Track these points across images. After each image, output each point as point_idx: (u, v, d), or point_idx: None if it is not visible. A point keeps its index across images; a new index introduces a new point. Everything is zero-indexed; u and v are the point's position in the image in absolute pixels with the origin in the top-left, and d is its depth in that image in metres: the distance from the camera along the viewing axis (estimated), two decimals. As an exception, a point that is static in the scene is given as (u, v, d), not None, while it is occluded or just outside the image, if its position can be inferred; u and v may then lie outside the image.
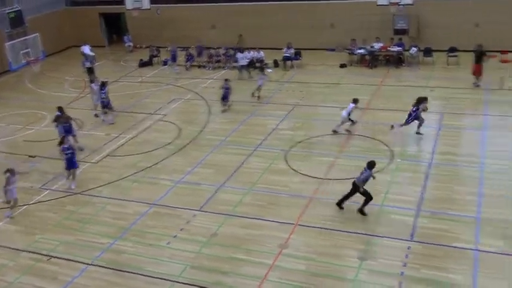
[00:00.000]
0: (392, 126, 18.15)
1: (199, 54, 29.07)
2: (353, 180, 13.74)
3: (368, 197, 13.54)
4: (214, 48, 29.12)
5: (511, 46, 25.90)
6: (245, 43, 30.70)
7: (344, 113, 18.49)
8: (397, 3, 26.52)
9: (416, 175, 15.57)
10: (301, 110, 21.37)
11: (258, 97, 22.77)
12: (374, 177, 13.66)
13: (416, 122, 17.94)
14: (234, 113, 21.25)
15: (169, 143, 19.13)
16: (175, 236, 13.45)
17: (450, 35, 26.49)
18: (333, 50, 29.37)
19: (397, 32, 27.23)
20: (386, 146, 17.48)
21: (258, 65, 26.91)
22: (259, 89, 22.68)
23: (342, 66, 26.80)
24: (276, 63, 27.59)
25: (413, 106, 17.88)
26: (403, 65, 26.03)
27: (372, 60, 26.46)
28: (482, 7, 26.20)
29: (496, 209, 13.51)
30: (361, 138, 18.39)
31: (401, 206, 13.95)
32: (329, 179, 15.71)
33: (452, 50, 25.77)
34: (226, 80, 21.89)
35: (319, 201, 14.57)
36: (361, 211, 13.66)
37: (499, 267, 11.47)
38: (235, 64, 26.90)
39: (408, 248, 12.28)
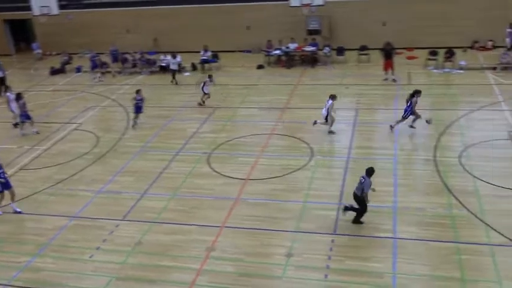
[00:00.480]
0: (391, 127, 18.34)
1: (115, 59, 28.33)
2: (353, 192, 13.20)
3: (363, 208, 13.03)
4: (129, 53, 28.53)
5: (415, 43, 27.42)
6: (161, 47, 30.33)
7: (323, 111, 18.45)
8: (308, 5, 27.26)
9: (335, 170, 16.07)
10: (221, 113, 21.41)
11: (203, 102, 22.11)
12: (374, 190, 13.11)
13: (411, 116, 18.19)
14: (154, 118, 20.93)
15: (86, 153, 18.50)
16: (98, 248, 13.02)
17: (360, 34, 27.61)
18: (249, 51, 29.70)
19: (310, 32, 28.01)
20: (306, 143, 17.91)
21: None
22: (205, 95, 22.03)
23: (259, 67, 27.17)
24: (193, 67, 27.51)
25: (407, 101, 18.15)
26: (318, 64, 26.81)
27: (288, 61, 27.04)
28: (389, 7, 27.57)
29: (410, 197, 14.24)
30: (281, 137, 18.73)
31: (323, 201, 14.34)
32: (252, 179, 15.85)
33: (363, 48, 26.89)
34: (138, 91, 20.42)
35: (244, 202, 14.66)
36: (356, 221, 13.14)
37: (415, 252, 12.09)
38: (172, 67, 25.93)
39: (332, 241, 12.64)
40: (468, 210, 13.46)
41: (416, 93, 18.01)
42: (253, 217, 13.86)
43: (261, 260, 12.20)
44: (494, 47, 26.59)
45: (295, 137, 18.47)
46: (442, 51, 24.96)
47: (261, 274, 11.74)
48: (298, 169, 16.22)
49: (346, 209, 13.24)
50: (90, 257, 12.72)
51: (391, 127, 18.31)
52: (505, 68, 23.64)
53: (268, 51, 27.67)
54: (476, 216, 13.16)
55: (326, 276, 11.50)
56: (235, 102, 22.53)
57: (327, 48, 26.93)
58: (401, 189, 14.67)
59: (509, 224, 12.74)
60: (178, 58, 26.07)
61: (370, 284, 11.18)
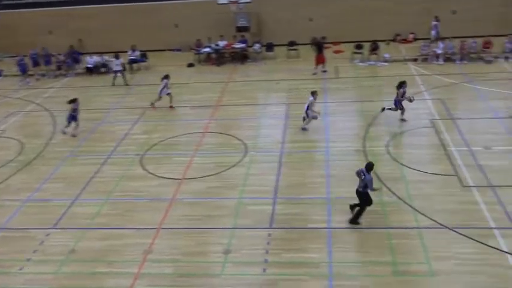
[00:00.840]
0: (383, 109, 18.67)
1: (35, 63, 26.95)
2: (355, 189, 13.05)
3: (363, 207, 12.89)
4: (53, 55, 27.47)
5: (341, 37, 28.16)
6: (86, 48, 29.44)
7: (306, 107, 18.38)
8: (236, 2, 27.35)
9: (270, 165, 16.24)
10: (153, 113, 21.10)
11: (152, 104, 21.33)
12: (377, 189, 12.94)
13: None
14: (83, 121, 20.26)
15: (11, 160, 17.69)
16: (29, 260, 12.50)
17: (288, 30, 28.01)
18: (179, 50, 29.43)
19: (239, 29, 28.12)
20: (240, 140, 17.99)
21: (103, 70, 26.02)
22: (160, 98, 21.17)
23: (190, 65, 26.99)
24: (122, 67, 26.84)
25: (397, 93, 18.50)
26: (248, 61, 26.97)
27: (218, 58, 27.03)
28: (316, 2, 28.12)
29: (342, 187, 14.65)
30: (215, 135, 18.72)
31: (259, 196, 14.48)
32: (188, 178, 15.75)
33: (292, 44, 27.31)
34: (73, 100, 19.27)
35: (180, 202, 14.55)
36: (354, 222, 12.96)
37: (349, 240, 12.48)
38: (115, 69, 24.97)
39: (269, 236, 12.80)
40: (397, 196, 14.03)
41: (402, 84, 18.41)
42: (190, 217, 13.79)
43: (199, 259, 12.17)
44: (415, 39, 27.77)
45: (228, 134, 18.51)
46: (367, 45, 25.77)
47: (200, 273, 11.71)
48: (233, 166, 16.28)
49: (352, 208, 13.17)
50: (20, 269, 12.20)
51: (403, 120, 18.46)
52: (425, 59, 24.76)
53: (197, 50, 27.53)
54: (404, 202, 13.74)
55: (264, 270, 11.63)
56: (167, 101, 22.23)
57: (257, 44, 27.14)
58: (334, 180, 15.06)
59: (435, 207, 13.41)
60: (122, 59, 25.34)
61: (308, 274, 11.42)
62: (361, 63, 25.27)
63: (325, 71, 24.03)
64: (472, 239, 12.12)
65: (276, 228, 13.06)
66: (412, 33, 27.97)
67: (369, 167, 12.80)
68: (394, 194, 14.15)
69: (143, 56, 27.20)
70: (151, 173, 16.21)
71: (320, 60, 24.03)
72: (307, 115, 18.22)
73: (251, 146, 17.52)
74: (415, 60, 24.89)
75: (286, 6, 28.32)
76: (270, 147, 17.44)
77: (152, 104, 21.24)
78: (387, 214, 13.33)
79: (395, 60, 25.10)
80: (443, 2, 27.10)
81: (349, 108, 20.07)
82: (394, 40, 28.19)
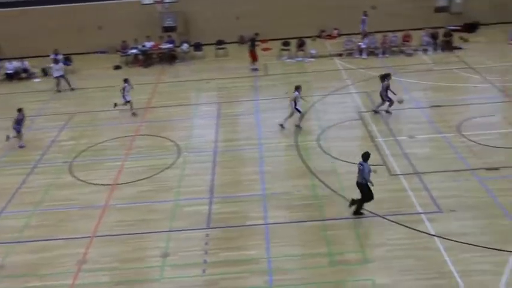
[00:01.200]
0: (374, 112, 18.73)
1: None
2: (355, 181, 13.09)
3: (366, 197, 12.84)
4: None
5: (269, 35, 28.46)
6: (5, 53, 28.03)
7: (293, 104, 18.02)
8: (162, 1, 26.99)
9: (204, 165, 16.18)
10: (80, 118, 20.45)
11: (133, 113, 20.31)
12: (375, 171, 12.92)
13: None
14: (6, 130, 19.29)
15: None
16: (-48, 280, 11.80)
17: (216, 28, 27.96)
18: (104, 52, 28.64)
19: (166, 29, 27.76)
20: (172, 141, 17.80)
21: (24, 75, 24.93)
22: (128, 103, 20.20)
23: (117, 68, 26.36)
24: (44, 72, 25.84)
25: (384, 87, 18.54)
26: (177, 61, 26.69)
27: (145, 60, 26.58)
28: (242, 1, 28.22)
29: (277, 183, 14.86)
30: (146, 137, 18.40)
31: (195, 197, 14.41)
32: (120, 183, 15.40)
33: (220, 42, 27.31)
34: (20, 109, 18.33)
35: (113, 208, 14.21)
36: (357, 212, 13.04)
37: (286, 234, 12.67)
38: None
39: (207, 236, 12.77)
40: (330, 188, 14.40)
41: (385, 76, 18.65)
42: (125, 222, 13.50)
43: (136, 265, 11.95)
44: (339, 35, 28.55)
45: (160, 136, 18.26)
46: (293, 42, 26.21)
47: (139, 279, 11.51)
48: (167, 168, 16.09)
49: (353, 202, 13.12)
50: None
51: (388, 112, 18.70)
52: (350, 54, 25.53)
53: (124, 51, 26.92)
54: (337, 193, 14.13)
55: (204, 271, 11.59)
56: (95, 105, 21.63)
57: (185, 44, 26.91)
58: (268, 176, 15.24)
59: (366, 196, 13.87)
60: (61, 63, 24.17)
61: (247, 271, 11.50)
62: (289, 60, 25.67)
63: (255, 69, 24.21)
64: (402, 225, 12.66)
65: (214, 228, 13.05)
66: (336, 29, 28.75)
67: (365, 156, 12.80)
68: (327, 186, 14.51)
69: (67, 60, 26.24)
70: (81, 180, 15.72)
71: (253, 56, 24.19)
72: (298, 111, 17.98)
73: (184, 147, 17.38)
74: (340, 55, 25.60)
75: (213, 5, 28.26)
76: (204, 147, 17.38)
77: (132, 112, 20.25)
78: (321, 206, 13.65)
79: (321, 56, 25.70)
80: (364, -2, 28.05)
81: (280, 105, 20.31)
82: (319, 36, 28.86)
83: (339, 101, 20.27)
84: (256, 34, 24.87)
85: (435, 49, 25.33)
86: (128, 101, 20.05)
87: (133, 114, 20.07)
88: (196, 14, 28.27)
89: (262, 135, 17.90)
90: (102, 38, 28.38)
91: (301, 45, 25.89)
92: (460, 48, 25.41)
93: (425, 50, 25.33)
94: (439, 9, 28.59)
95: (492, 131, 16.93)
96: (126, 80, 20.20)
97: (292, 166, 15.79)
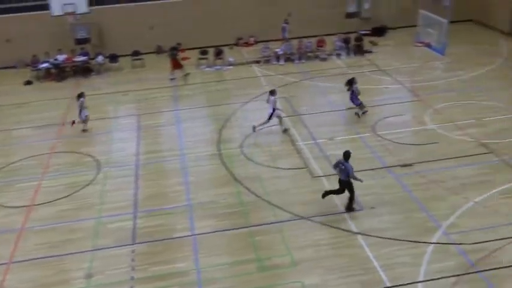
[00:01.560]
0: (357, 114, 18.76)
1: None
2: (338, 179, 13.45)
3: (353, 193, 13.35)
4: None
5: (186, 44, 28.32)
6: None
7: (270, 109, 17.90)
8: (73, 13, 26.08)
9: (126, 179, 15.80)
10: (-11, 138, 19.32)
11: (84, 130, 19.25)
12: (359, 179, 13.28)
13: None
14: None
15: None
16: None
17: (131, 39, 27.44)
18: (13, 67, 27.23)
19: (79, 41, 26.84)
20: (92, 157, 17.25)
21: None
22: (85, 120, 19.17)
23: (28, 83, 25.13)
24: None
25: (348, 91, 18.55)
26: (92, 74, 25.89)
27: (58, 73, 25.56)
28: (156, 10, 27.92)
29: (202, 192, 14.79)
30: (63, 154, 17.68)
31: (118, 213, 14.02)
32: (37, 204, 14.68)
33: (136, 53, 26.82)
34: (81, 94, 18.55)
35: (31, 231, 13.51)
36: (349, 208, 13.46)
37: (214, 244, 12.63)
38: None
39: (133, 252, 12.47)
40: (255, 194, 14.53)
41: (352, 82, 18.65)
42: (44, 245, 12.87)
43: (59, 288, 11.44)
44: (256, 42, 28.95)
45: (79, 152, 17.62)
46: (211, 50, 26.26)
47: (62, 303, 11.03)
48: (87, 185, 15.56)
49: (326, 194, 13.56)
50: None
51: (357, 114, 18.79)
52: (267, 61, 25.95)
53: (34, 66, 25.74)
54: (262, 199, 14.29)
55: (132, 287, 11.31)
56: (6, 123, 20.51)
57: (100, 56, 26.17)
58: (193, 187, 15.14)
59: (290, 200, 14.15)
60: None
61: (177, 284, 11.37)
62: (207, 69, 25.68)
63: (173, 79, 24.01)
64: (327, 225, 13.02)
65: (140, 243, 12.76)
66: (253, 36, 29.12)
67: (347, 155, 13.17)
68: (252, 192, 14.63)
69: (-29, 77, 24.72)
70: (-6, 204, 14.84)
71: (175, 65, 24.04)
72: (279, 115, 18.09)
73: (105, 162, 16.89)
74: (258, 62, 25.95)
75: (126, 16, 27.70)
76: (125, 160, 16.96)
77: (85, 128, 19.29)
78: (247, 213, 13.75)
79: (240, 64, 25.92)
80: (278, 5, 28.62)
81: (201, 114, 20.31)
82: (236, 44, 29.10)
83: (260, 107, 20.47)
84: (179, 44, 24.70)
85: (348, 53, 26.33)
86: (85, 117, 19.12)
87: (84, 130, 19.20)
88: (110, 25, 27.59)
89: (184, 145, 17.76)
90: (10, 52, 26.96)
91: (218, 53, 25.99)
92: (371, 52, 26.59)
93: (338, 55, 26.26)
94: (349, 15, 29.78)
95: (404, 129, 17.83)
96: (81, 95, 19.28)
97: (216, 175, 15.79)
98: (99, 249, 12.59)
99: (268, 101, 18.18)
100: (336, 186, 13.58)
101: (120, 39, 27.51)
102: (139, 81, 24.44)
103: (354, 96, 18.79)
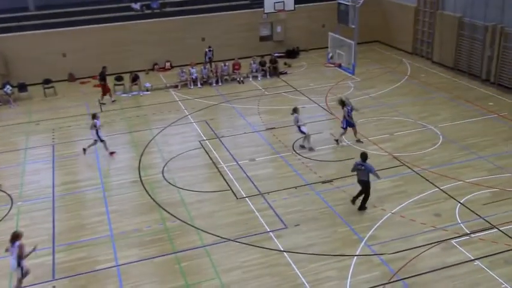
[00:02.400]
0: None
1: None
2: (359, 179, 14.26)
3: (368, 193, 14.29)
4: None
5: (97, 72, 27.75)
6: None
7: (92, 133, 18.25)
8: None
9: (42, 213, 15.03)
10: None
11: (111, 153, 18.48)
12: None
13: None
14: None
15: None
16: None
17: (42, 67, 26.40)
18: None
19: (-17, 70, 25.45)
20: (2, 191, 16.26)
21: None
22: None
23: None
24: None
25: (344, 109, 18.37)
26: (-1, 104, 24.57)
27: (-39, 105, 24.01)
28: (67, 37, 27.05)
29: (125, 221, 14.37)
30: (-30, 190, 16.55)
31: (35, 249, 13.25)
32: None
33: (48, 81, 25.80)
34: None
35: None
36: (362, 208, 14.38)
37: (140, 273, 12.28)
38: None
39: (53, 288, 11.86)
40: (179, 219, 14.33)
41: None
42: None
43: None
44: (172, 66, 28.86)
45: (-13, 188, 16.57)
46: (127, 76, 25.82)
47: None
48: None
49: (354, 200, 14.39)
50: None
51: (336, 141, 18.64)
52: (185, 85, 25.90)
53: None
54: (187, 224, 14.11)
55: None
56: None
57: (7, 86, 24.85)
58: (115, 216, 14.68)
59: (215, 222, 14.10)
60: None
61: (102, 319, 10.88)
62: (124, 95, 25.18)
63: (103, 104, 23.57)
64: (253, 245, 13.07)
65: (61, 279, 12.14)
66: (168, 61, 29.02)
67: (364, 156, 14.05)
68: (176, 218, 14.42)
69: None
70: None
71: (105, 90, 23.88)
72: (304, 132, 18.12)
73: (17, 196, 15.98)
74: (176, 86, 25.84)
75: (35, 43, 26.61)
76: (40, 193, 16.14)
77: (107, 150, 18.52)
78: (172, 239, 13.51)
79: (157, 89, 25.67)
80: (193, 30, 28.81)
81: (119, 141, 19.80)
82: (152, 69, 28.84)
83: (179, 131, 20.38)
84: (104, 67, 24.22)
85: (264, 75, 26.90)
86: (102, 140, 18.50)
87: (111, 153, 18.54)
88: (17, 52, 26.35)
89: (103, 173, 17.22)
90: None
91: (134, 79, 25.59)
92: (286, 73, 27.33)
93: (255, 77, 26.76)
94: (263, 38, 30.57)
95: (322, 147, 18.40)
96: (95, 116, 18.56)
97: (138, 202, 15.42)
98: (15, 289, 11.82)
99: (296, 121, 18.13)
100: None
101: (29, 68, 26.40)
102: (52, 110, 23.49)
103: (349, 115, 18.37)
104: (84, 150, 18.43)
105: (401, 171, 16.45)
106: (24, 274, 11.61)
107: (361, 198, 14.39)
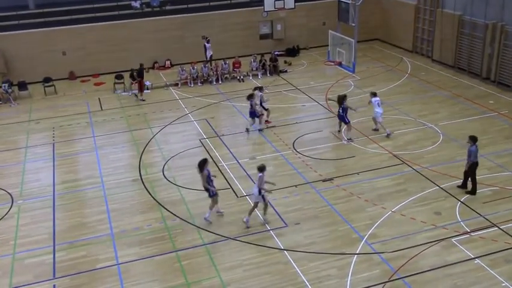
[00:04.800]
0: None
1: None
2: None
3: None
4: None
5: (101, 69, 27.73)
6: None
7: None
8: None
9: (43, 211, 15.05)
10: None
11: None
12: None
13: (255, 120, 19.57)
14: None
15: None
16: None
17: (42, 65, 26.42)
18: None
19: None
20: (3, 189, 16.29)
21: None
22: None
23: None
24: None
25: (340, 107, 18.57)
26: (0, 103, 24.54)
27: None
28: (67, 36, 27.04)
29: (125, 220, 14.38)
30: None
31: (36, 247, 13.31)
32: None
33: (48, 80, 25.78)
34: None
35: None
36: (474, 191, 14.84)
37: (141, 271, 12.29)
38: None
39: (54, 287, 11.84)
40: (180, 218, 14.35)
41: (344, 99, 18.59)
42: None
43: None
44: (172, 65, 28.85)
45: (-13, 186, 16.60)
46: (127, 75, 25.80)
47: None
48: (0, 219, 14.65)
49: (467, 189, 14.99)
50: None
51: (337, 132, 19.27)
52: (185, 83, 25.90)
53: None
54: (188, 222, 14.13)
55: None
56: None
57: (6, 84, 24.83)
58: (115, 214, 14.69)
59: (216, 221, 14.10)
60: None
61: (103, 317, 10.91)
62: (124, 93, 25.18)
63: (143, 100, 23.87)
64: (254, 244, 13.09)
65: (61, 278, 12.16)
66: (168, 59, 29.01)
67: (473, 139, 14.56)
68: (176, 216, 14.43)
69: None
70: None
71: (141, 86, 24.13)
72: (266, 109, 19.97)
73: (18, 195, 16.00)
74: (176, 85, 25.84)
75: (35, 41, 26.61)
76: (40, 192, 16.16)
77: None
78: (173, 237, 13.52)
79: (157, 87, 25.67)
80: (192, 29, 28.78)
81: (119, 139, 19.81)
82: (153, 68, 28.83)
83: (180, 130, 20.39)
84: (142, 64, 24.65)
85: (264, 73, 26.88)
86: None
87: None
88: (17, 51, 26.36)
89: (103, 172, 17.23)
90: None
91: (134, 77, 25.54)
92: (286, 71, 27.32)
93: (255, 75, 26.74)
94: (263, 37, 30.55)
95: (322, 145, 18.41)
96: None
97: (139, 200, 15.43)
98: (17, 287, 11.84)
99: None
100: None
101: (28, 66, 26.44)
102: (52, 109, 23.50)
103: (345, 114, 18.57)
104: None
105: (402, 170, 16.46)
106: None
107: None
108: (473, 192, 14.80)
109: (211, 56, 27.48)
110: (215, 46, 27.89)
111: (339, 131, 19.24)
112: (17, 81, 25.46)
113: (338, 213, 14.28)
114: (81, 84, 26.78)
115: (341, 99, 18.63)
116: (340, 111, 18.66)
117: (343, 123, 18.94)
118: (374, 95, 19.08)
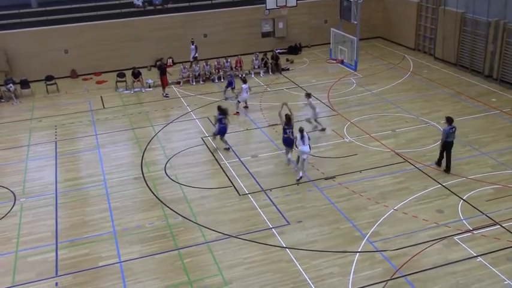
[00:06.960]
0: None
1: None
2: None
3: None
4: None
5: (102, 67, 27.74)
6: None
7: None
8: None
9: (45, 209, 15.07)
10: None
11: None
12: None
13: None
14: None
15: None
16: None
17: (44, 63, 26.46)
18: None
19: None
20: (5, 188, 16.31)
21: None
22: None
23: None
24: None
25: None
26: (2, 101, 24.57)
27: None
28: (68, 34, 27.05)
29: (127, 218, 14.40)
30: (-26, 187, 16.60)
31: (38, 245, 13.33)
32: None
33: (50, 78, 25.81)
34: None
35: None
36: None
37: (143, 269, 12.30)
38: None
39: (56, 285, 11.87)
40: (182, 216, 14.35)
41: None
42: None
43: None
44: (174, 63, 28.84)
45: (-10, 184, 16.62)
46: (129, 73, 25.80)
47: None
48: (2, 217, 14.67)
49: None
50: None
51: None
52: (187, 81, 25.90)
53: None
54: (190, 220, 14.13)
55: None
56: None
57: (9, 82, 24.88)
58: (117, 212, 14.70)
59: (218, 219, 14.11)
60: None
61: (106, 315, 10.92)
62: (126, 91, 25.19)
63: (167, 95, 23.95)
64: (256, 242, 13.09)
65: (64, 275, 12.17)
66: (171, 57, 29.00)
67: (449, 119, 15.54)
68: (179, 214, 14.44)
69: None
70: None
71: (166, 82, 24.13)
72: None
73: (20, 193, 16.02)
74: (178, 83, 25.83)
75: (37, 40, 26.65)
76: (43, 190, 16.18)
77: None
78: (175, 235, 13.53)
79: (158, 85, 25.61)
80: (194, 27, 28.77)
81: (121, 137, 19.83)
82: (154, 66, 28.81)
83: (182, 128, 20.39)
84: (161, 59, 24.70)
85: (266, 71, 26.86)
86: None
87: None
88: (19, 49, 26.40)
89: (105, 170, 17.24)
90: None
91: (136, 75, 25.57)
92: (288, 69, 27.30)
93: (257, 73, 26.73)
94: (265, 35, 30.52)
95: (325, 143, 18.40)
96: (309, 95, 19.48)
97: (141, 199, 15.44)
98: (19, 285, 11.87)
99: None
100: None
101: (31, 64, 26.48)
102: (55, 107, 23.52)
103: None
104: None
105: (404, 168, 16.43)
106: None
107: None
108: (447, 170, 15.91)
109: (195, 57, 27.36)
110: (217, 44, 27.92)
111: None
112: (19, 79, 25.47)
113: (340, 211, 14.27)
114: (83, 83, 26.80)
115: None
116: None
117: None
118: (309, 96, 19.19)
